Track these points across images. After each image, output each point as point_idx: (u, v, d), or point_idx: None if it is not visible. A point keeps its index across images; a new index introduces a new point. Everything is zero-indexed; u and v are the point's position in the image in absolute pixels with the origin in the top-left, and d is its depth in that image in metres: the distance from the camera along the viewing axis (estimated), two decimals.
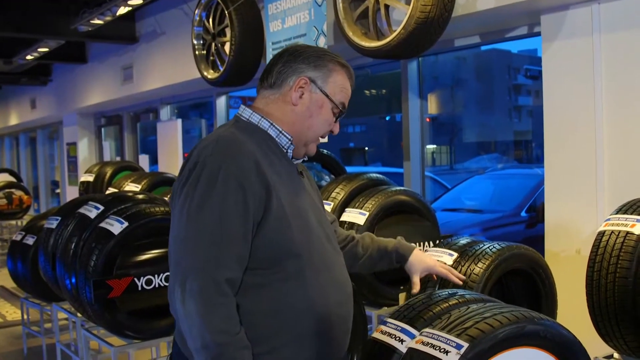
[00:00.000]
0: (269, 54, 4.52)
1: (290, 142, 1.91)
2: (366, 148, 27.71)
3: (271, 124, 1.90)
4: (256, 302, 1.76)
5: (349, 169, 4.68)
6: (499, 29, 4.09)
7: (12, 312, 7.22)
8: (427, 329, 1.92)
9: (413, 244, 2.30)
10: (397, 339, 2.01)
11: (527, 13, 3.69)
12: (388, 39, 3.41)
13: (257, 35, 4.76)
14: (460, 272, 2.88)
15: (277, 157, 1.87)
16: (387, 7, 3.61)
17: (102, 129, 10.99)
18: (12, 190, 11.23)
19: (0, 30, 7.10)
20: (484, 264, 2.85)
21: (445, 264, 2.43)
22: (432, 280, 2.70)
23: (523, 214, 7.49)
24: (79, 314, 3.81)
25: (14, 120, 13.66)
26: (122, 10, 5.85)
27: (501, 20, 3.94)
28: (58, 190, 13.42)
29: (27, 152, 15.51)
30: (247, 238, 1.73)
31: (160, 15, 7.27)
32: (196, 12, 5.33)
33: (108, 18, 6.05)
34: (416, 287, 2.19)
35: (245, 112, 1.93)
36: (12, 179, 12.04)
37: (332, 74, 1.93)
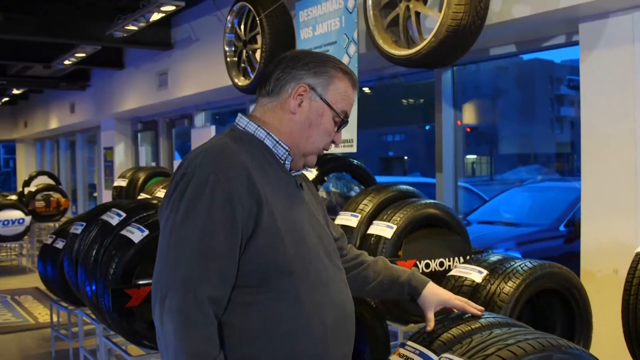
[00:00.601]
0: None
1: (287, 153, 1.81)
2: (405, 157, 27.52)
3: (268, 133, 1.80)
4: (247, 321, 1.65)
5: (387, 179, 4.58)
6: (535, 37, 3.95)
7: (45, 314, 7.28)
8: (446, 354, 1.81)
9: (427, 278, 2.11)
10: None
11: (564, 21, 3.55)
12: (419, 47, 3.31)
13: (288, 43, 4.70)
14: (489, 290, 2.78)
15: (272, 168, 1.77)
16: (418, 14, 3.51)
17: (139, 134, 11.06)
18: (50, 192, 11.39)
19: (37, 34, 7.19)
20: (514, 282, 2.73)
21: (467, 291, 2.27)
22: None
23: (562, 228, 7.29)
24: None
25: (54, 124, 13.88)
26: (156, 16, 5.85)
27: (538, 29, 3.80)
28: (95, 194, 13.56)
29: (67, 156, 15.74)
30: (234, 254, 1.63)
31: (195, 22, 7.28)
32: (228, 18, 5.30)
33: (142, 24, 6.06)
34: (430, 324, 2.01)
35: (242, 121, 1.84)
36: (50, 181, 12.22)
37: (334, 81, 1.82)
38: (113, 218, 3.38)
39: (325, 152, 1.93)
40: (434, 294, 2.05)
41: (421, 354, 1.91)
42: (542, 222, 7.60)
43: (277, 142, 1.80)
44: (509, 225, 7.97)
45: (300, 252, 1.71)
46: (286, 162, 1.82)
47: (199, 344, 1.56)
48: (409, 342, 1.98)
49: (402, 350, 1.97)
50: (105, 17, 6.83)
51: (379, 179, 5.29)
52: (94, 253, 3.32)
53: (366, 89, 8.89)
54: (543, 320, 3.03)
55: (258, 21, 4.77)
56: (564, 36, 3.83)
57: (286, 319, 1.67)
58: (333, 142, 1.88)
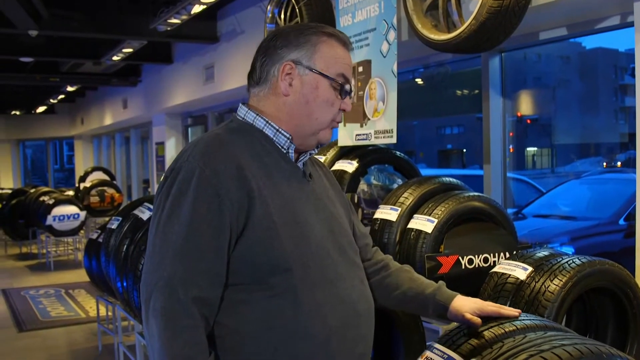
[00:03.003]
0: None
1: (289, 142, 1.69)
2: (464, 150, 27.09)
3: (267, 122, 1.69)
4: (242, 322, 1.54)
5: (446, 172, 4.40)
6: (587, 19, 3.70)
7: (96, 309, 7.37)
8: None
9: (455, 292, 1.88)
10: None
11: (618, 0, 3.31)
12: (458, 31, 3.13)
13: None
14: (533, 289, 2.61)
15: (272, 159, 1.65)
16: None
17: (189, 129, 11.11)
18: (105, 188, 11.59)
19: (82, 30, 7.25)
20: (561, 280, 2.55)
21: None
22: None
23: (621, 222, 6.97)
24: None
25: (108, 120, 14.10)
26: (197, 8, 5.79)
27: (589, 10, 3.56)
28: (150, 189, 13.73)
29: (122, 151, 15.99)
30: (221, 251, 1.52)
31: (240, 14, 7.21)
32: (268, 8, 5.20)
33: (184, 17, 6.02)
34: (475, 320, 1.76)
35: (241, 111, 1.74)
36: (105, 177, 12.41)
37: (319, 47, 1.68)
38: (144, 213, 3.33)
39: (338, 124, 1.79)
40: (464, 304, 1.83)
41: (448, 358, 1.75)
42: (600, 216, 7.30)
43: (278, 130, 1.69)
44: (565, 218, 7.68)
45: (300, 248, 1.58)
46: (289, 151, 1.70)
47: (183, 348, 1.46)
48: (437, 345, 1.83)
49: (429, 354, 1.82)
50: (150, 11, 6.84)
51: (437, 172, 5.14)
52: (124, 248, 3.27)
53: (419, 80, 8.68)
54: (594, 321, 2.84)
55: (297, 10, 4.65)
56: (618, 17, 3.58)
57: (284, 319, 1.55)
58: (343, 110, 1.73)
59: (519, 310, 1.85)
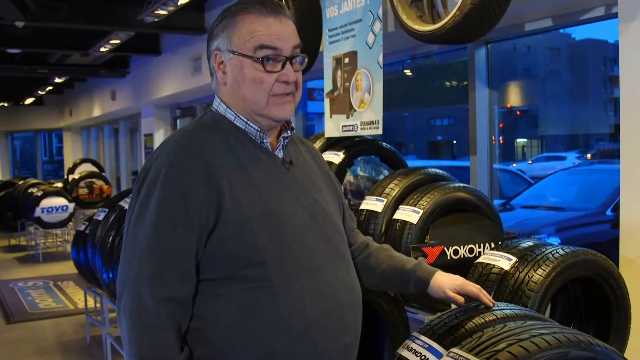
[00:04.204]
0: (326, 42, 4.30)
1: (259, 132, 1.67)
2: (454, 142, 27.14)
3: (236, 114, 1.68)
4: (219, 314, 1.54)
5: (436, 163, 4.41)
6: (572, 10, 3.72)
7: (84, 301, 7.36)
8: (454, 350, 1.67)
9: (435, 268, 1.90)
10: (423, 357, 1.77)
11: None
12: (443, 22, 3.12)
13: (314, 23, 4.55)
14: (517, 279, 2.62)
15: (246, 150, 1.64)
16: None
17: (178, 120, 11.07)
18: (93, 179, 11.54)
19: (70, 21, 7.22)
20: (544, 270, 2.57)
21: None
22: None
23: (608, 212, 7.01)
24: None
25: (97, 111, 14.04)
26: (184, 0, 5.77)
27: (574, 1, 3.58)
28: None
29: (110, 143, 15.93)
30: (189, 249, 1.52)
31: (228, 5, 7.16)
32: None
33: (171, 8, 5.99)
34: (458, 299, 1.80)
35: (215, 102, 1.73)
36: (94, 168, 12.36)
37: (236, 27, 1.64)
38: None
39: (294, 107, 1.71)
40: (445, 280, 1.85)
41: (429, 348, 1.77)
42: (588, 207, 7.33)
43: (246, 122, 1.67)
44: (553, 209, 7.71)
45: (274, 240, 1.57)
46: (264, 141, 1.68)
47: (150, 348, 1.48)
48: (418, 335, 1.84)
49: (410, 344, 1.84)
50: (137, 2, 6.80)
51: (426, 164, 5.13)
52: (110, 239, 3.26)
53: (407, 71, 8.69)
54: (578, 311, 2.86)
55: (284, 1, 4.63)
56: (602, 8, 3.59)
57: (262, 312, 1.54)
58: (284, 81, 1.64)
59: (494, 302, 1.86)
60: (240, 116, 1.67)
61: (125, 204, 3.33)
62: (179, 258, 1.52)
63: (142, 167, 1.62)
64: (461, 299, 1.82)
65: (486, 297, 1.84)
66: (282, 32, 1.65)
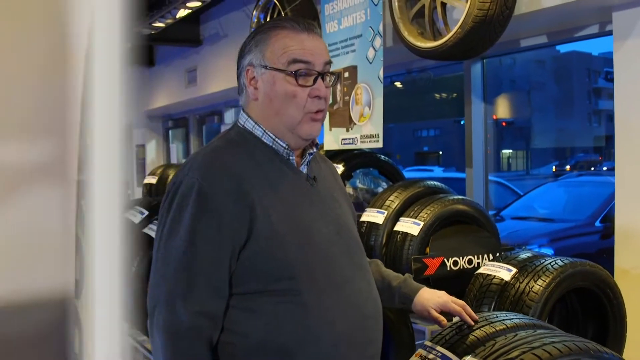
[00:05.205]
0: None
1: (286, 149, 1.70)
2: (440, 152, 27.30)
3: (264, 131, 1.70)
4: (249, 328, 1.58)
5: (420, 175, 4.50)
6: (567, 27, 3.81)
7: None
8: (467, 358, 1.73)
9: (421, 285, 1.98)
10: None
11: (597, 10, 3.42)
12: (444, 39, 3.21)
13: None
14: (518, 289, 2.69)
15: (274, 166, 1.68)
16: (444, 5, 3.41)
17: (170, 131, 11.10)
18: None
19: None
20: (544, 281, 2.64)
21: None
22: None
23: (597, 224, 7.12)
24: None
25: None
26: (182, 12, 5.83)
27: (569, 19, 3.67)
28: (129, 192, 13.66)
29: None
30: (222, 265, 1.55)
31: (224, 18, 7.25)
32: (254, 13, 5.24)
33: (169, 21, 6.05)
34: (441, 319, 1.89)
35: (241, 118, 1.75)
36: None
37: (269, 42, 1.67)
38: (136, 216, 3.36)
39: (320, 112, 1.71)
40: (429, 297, 1.92)
41: (442, 357, 1.83)
42: (577, 218, 7.44)
43: (274, 139, 1.70)
44: (543, 220, 7.82)
45: (304, 255, 1.61)
46: (290, 157, 1.72)
47: None
48: (430, 344, 1.91)
49: (422, 352, 1.90)
50: (133, 15, 6.83)
51: (414, 174, 5.22)
52: None
53: (398, 84, 8.77)
54: (576, 321, 2.93)
55: (284, 15, 4.71)
56: (597, 26, 3.69)
57: (291, 326, 1.58)
58: (316, 96, 1.67)
59: (477, 318, 1.91)
60: (269, 133, 1.69)
61: (131, 216, 3.38)
62: (213, 273, 1.54)
63: (171, 181, 1.64)
64: (444, 320, 1.89)
65: (468, 316, 1.90)
66: (314, 47, 1.68)
